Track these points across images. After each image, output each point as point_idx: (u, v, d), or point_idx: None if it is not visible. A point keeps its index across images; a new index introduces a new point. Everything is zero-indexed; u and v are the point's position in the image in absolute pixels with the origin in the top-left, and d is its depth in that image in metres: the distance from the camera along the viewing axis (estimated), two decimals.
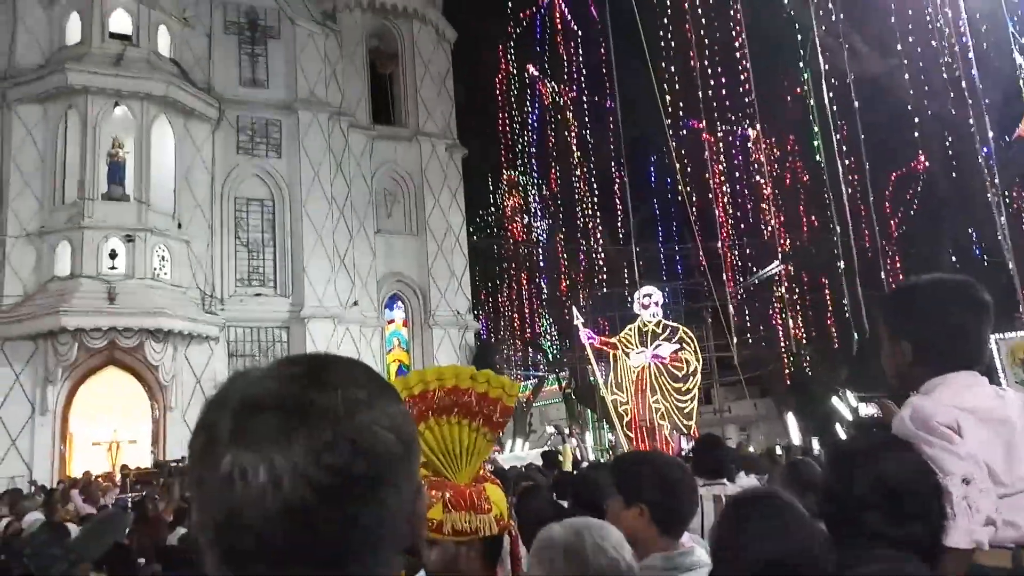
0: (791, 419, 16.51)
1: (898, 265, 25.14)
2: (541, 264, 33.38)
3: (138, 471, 16.22)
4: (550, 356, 33.48)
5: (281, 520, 0.67)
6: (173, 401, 19.69)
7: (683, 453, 11.32)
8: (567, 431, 21.96)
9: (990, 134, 18.86)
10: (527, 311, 32.97)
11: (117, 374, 19.76)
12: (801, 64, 23.34)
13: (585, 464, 11.34)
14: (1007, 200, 20.97)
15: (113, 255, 19.22)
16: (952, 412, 1.72)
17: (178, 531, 7.58)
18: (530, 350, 34.58)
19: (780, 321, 23.53)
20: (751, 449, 15.80)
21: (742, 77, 22.90)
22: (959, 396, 1.78)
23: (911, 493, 1.65)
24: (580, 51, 31.24)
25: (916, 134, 22.26)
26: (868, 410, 13.40)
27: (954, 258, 23.65)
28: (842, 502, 1.72)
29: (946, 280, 1.94)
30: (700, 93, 21.13)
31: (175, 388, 19.78)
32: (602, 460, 13.60)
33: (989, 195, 18.53)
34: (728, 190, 25.90)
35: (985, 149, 19.06)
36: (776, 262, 21.08)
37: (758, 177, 25.83)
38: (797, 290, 27.39)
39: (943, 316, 1.85)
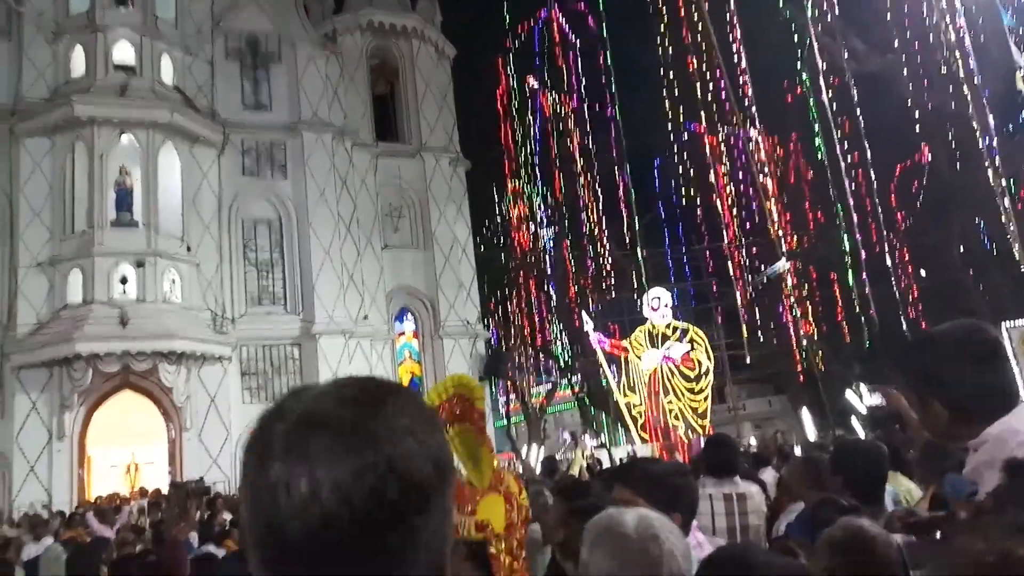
0: (806, 414, 16.47)
1: (906, 258, 25.09)
2: (548, 271, 33.46)
3: (156, 493, 16.33)
4: (562, 362, 33.50)
5: (318, 532, 0.72)
6: (188, 422, 19.81)
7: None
8: (584, 437, 21.92)
9: (991, 124, 18.85)
10: (536, 318, 33.03)
11: (132, 397, 19.90)
12: (799, 64, 23.45)
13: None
14: (1012, 190, 20.92)
15: (124, 281, 19.39)
16: None
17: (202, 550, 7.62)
18: (541, 357, 34.60)
19: (791, 318, 23.49)
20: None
21: (742, 80, 22.99)
22: None
23: None
24: (579, 61, 31.47)
25: (918, 128, 22.28)
26: (874, 400, 13.37)
27: (962, 248, 23.59)
28: None
29: (955, 332, 1.92)
30: (700, 97, 21.23)
31: (189, 409, 19.90)
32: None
33: (993, 185, 18.52)
34: (732, 191, 25.96)
35: (987, 139, 19.05)
36: (783, 260, 21.07)
37: (762, 177, 25.87)
38: (806, 287, 27.37)
39: (964, 370, 1.84)
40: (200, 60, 22.71)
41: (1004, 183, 18.74)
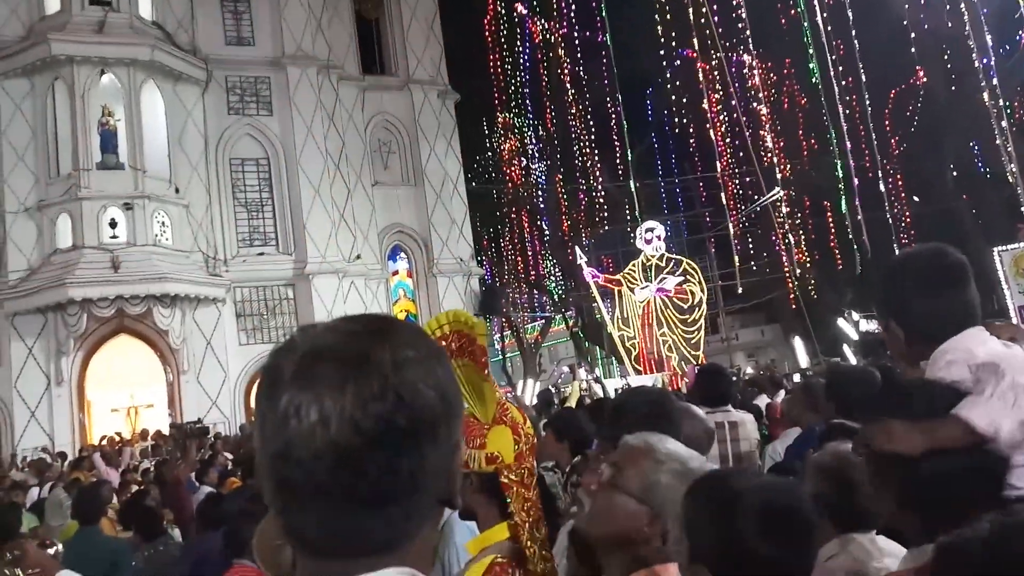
0: (798, 343, 16.67)
1: (900, 183, 24.96)
2: (541, 206, 33.25)
3: (157, 435, 16.58)
4: (556, 297, 33.63)
5: (327, 458, 0.75)
6: (186, 364, 19.92)
7: None
8: (582, 369, 22.16)
9: (989, 44, 18.51)
10: (530, 254, 32.98)
11: (128, 341, 19.95)
12: None
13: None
14: (1008, 111, 20.68)
15: (113, 224, 19.22)
16: (995, 353, 1.74)
17: (202, 490, 7.76)
18: (535, 292, 34.72)
19: (783, 247, 23.49)
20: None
21: (735, 2, 22.42)
22: (982, 346, 1.81)
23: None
24: None
25: (913, 49, 21.87)
26: (870, 326, 13.52)
27: (955, 172, 23.48)
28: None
29: (916, 257, 1.98)
30: (692, 21, 20.71)
31: (186, 351, 19.97)
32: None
33: (989, 106, 18.28)
34: (725, 118, 25.62)
35: (984, 60, 18.73)
36: (776, 188, 20.95)
37: (755, 104, 25.50)
38: (799, 215, 27.28)
39: (917, 294, 1.89)
40: None
41: (1001, 103, 18.51)
